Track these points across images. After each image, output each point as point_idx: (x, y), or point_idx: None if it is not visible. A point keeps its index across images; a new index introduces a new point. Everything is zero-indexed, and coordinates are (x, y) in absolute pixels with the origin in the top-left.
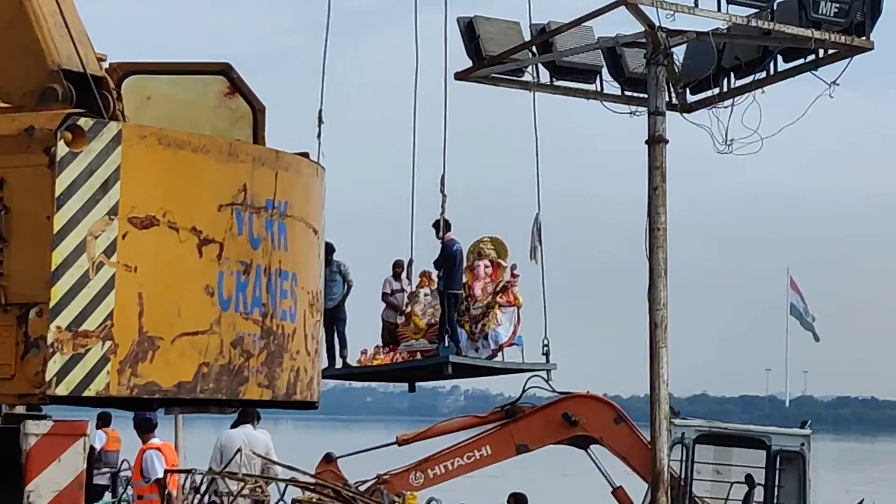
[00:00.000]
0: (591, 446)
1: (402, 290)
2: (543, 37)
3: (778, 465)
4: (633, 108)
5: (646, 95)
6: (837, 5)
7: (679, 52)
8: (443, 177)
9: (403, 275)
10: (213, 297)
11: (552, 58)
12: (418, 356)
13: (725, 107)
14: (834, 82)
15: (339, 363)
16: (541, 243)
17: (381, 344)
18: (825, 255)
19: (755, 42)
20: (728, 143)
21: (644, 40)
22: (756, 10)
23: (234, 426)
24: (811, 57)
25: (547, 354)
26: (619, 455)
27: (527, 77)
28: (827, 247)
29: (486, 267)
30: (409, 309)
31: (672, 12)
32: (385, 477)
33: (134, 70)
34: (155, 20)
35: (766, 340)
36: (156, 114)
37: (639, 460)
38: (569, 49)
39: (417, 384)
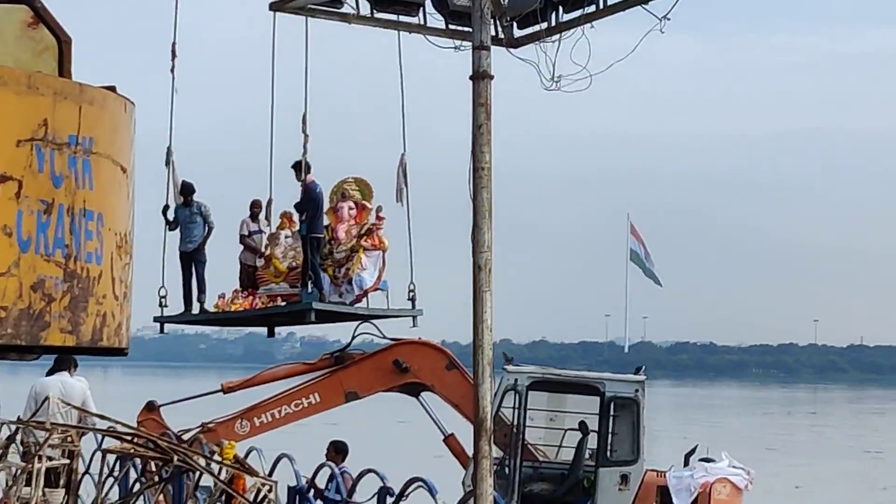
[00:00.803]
0: (423, 393)
1: (261, 232)
2: None
3: (612, 412)
4: (458, 42)
5: (471, 29)
6: None
7: None
8: (304, 115)
9: (262, 215)
10: (12, 238)
11: None
12: (279, 301)
13: (553, 41)
14: (665, 17)
15: (195, 308)
16: (406, 185)
17: (239, 288)
18: (664, 197)
19: None
20: (556, 79)
21: None
22: None
23: (49, 373)
24: None
25: (413, 300)
26: (451, 402)
27: (346, 9)
28: (665, 189)
29: (350, 209)
30: (268, 251)
31: None
32: (210, 425)
33: None
34: None
35: (605, 286)
36: None
37: (471, 408)
38: None
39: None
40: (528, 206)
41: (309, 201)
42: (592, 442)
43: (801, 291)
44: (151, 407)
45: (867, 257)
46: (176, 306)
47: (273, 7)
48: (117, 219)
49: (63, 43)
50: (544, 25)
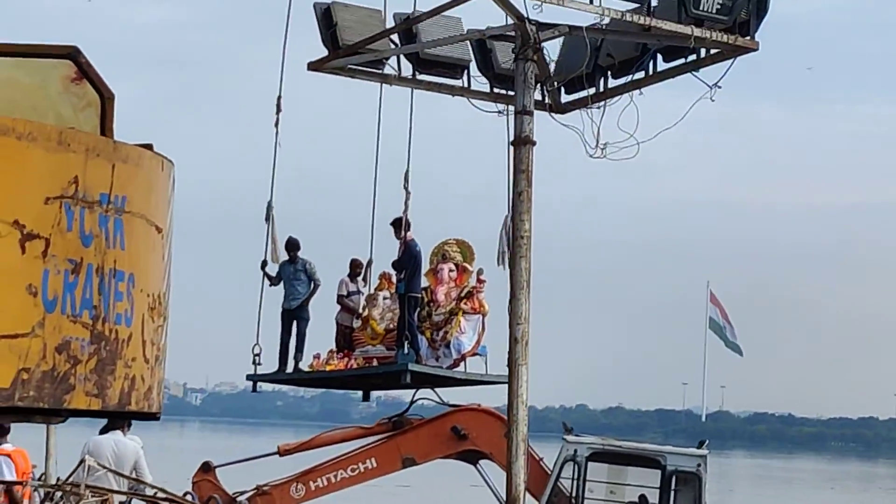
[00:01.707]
0: (481, 461)
1: (359, 293)
2: (405, 24)
3: (673, 486)
4: (502, 106)
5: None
6: (720, 2)
7: (554, 50)
8: (406, 172)
9: (360, 276)
10: (37, 298)
11: (415, 49)
12: (374, 363)
13: (599, 107)
14: (716, 84)
15: (290, 367)
16: (510, 248)
17: (334, 348)
18: (743, 267)
19: (632, 39)
20: (602, 146)
21: (514, 33)
22: (634, 6)
23: (102, 431)
24: (692, 57)
25: None
26: None
27: (388, 70)
28: (745, 258)
29: (450, 271)
30: (366, 312)
31: (539, 3)
32: (265, 488)
33: None
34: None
35: (684, 353)
36: None
37: (530, 477)
38: (433, 40)
39: (367, 391)
40: (606, 272)
41: (408, 259)
42: None
43: (881, 365)
44: (207, 468)
45: None
46: (269, 364)
47: (312, 67)
48: (150, 279)
49: (106, 99)
50: (592, 91)
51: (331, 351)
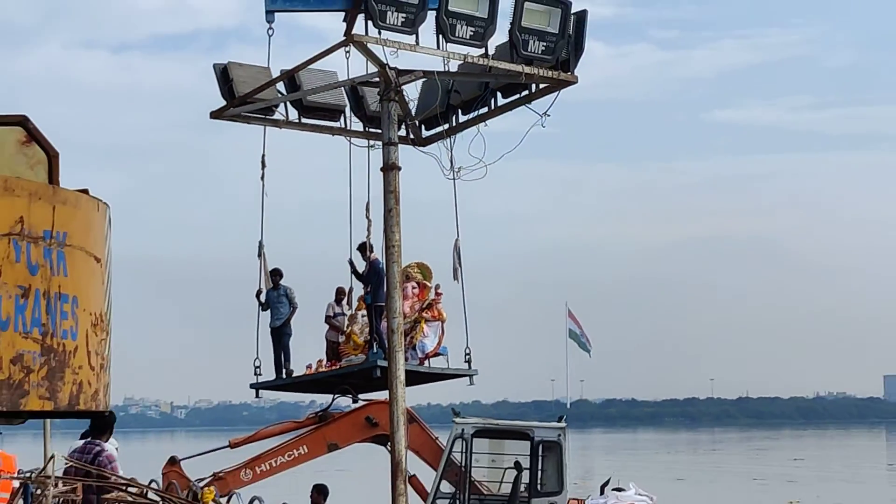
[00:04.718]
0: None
1: (343, 314)
2: (288, 73)
3: (540, 453)
4: (373, 142)
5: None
6: (544, 44)
7: (414, 94)
8: (367, 203)
9: (345, 300)
10: None
11: (298, 96)
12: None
13: (453, 139)
14: (545, 113)
15: (284, 375)
16: (460, 265)
17: (324, 359)
18: (599, 292)
19: (476, 79)
20: (456, 170)
21: (378, 79)
22: (479, 52)
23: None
24: (525, 93)
25: (469, 361)
26: (412, 450)
27: (277, 116)
28: (595, 279)
29: (413, 288)
30: (348, 329)
31: (395, 49)
32: (220, 474)
33: None
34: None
35: (551, 357)
36: None
37: (428, 453)
38: (313, 88)
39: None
40: (494, 299)
41: (373, 274)
42: (526, 477)
43: (699, 356)
44: (174, 461)
45: (747, 330)
46: (268, 374)
47: (213, 115)
48: (92, 301)
49: (52, 157)
50: (446, 126)
51: (320, 361)
